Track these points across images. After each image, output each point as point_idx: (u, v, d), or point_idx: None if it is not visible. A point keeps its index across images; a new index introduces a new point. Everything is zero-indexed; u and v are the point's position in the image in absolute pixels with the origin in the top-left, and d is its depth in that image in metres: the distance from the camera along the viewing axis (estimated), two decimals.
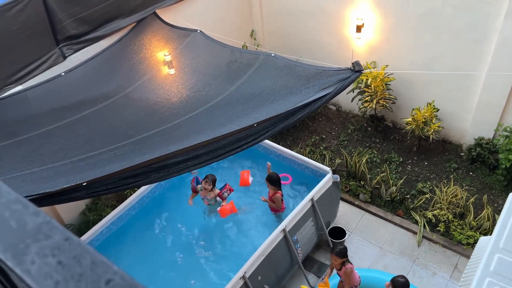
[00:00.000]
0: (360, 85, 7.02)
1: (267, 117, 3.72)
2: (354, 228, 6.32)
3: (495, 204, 6.25)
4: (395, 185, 6.49)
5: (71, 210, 5.95)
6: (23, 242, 0.75)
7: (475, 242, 5.63)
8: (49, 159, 3.74)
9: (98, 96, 4.89)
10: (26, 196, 2.98)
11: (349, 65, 4.01)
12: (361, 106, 7.14)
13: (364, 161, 6.78)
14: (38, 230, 0.77)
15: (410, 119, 6.72)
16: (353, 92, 7.18)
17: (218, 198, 5.76)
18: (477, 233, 5.81)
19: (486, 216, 5.86)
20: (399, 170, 6.92)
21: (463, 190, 6.27)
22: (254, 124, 3.66)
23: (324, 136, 7.69)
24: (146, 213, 5.88)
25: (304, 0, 7.35)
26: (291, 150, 6.25)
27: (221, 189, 5.74)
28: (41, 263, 0.71)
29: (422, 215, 6.22)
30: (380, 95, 6.90)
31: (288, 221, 5.15)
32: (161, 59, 5.32)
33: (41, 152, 3.95)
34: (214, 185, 5.72)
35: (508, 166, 5.99)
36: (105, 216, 5.53)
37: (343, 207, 6.49)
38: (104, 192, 3.37)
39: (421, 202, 6.34)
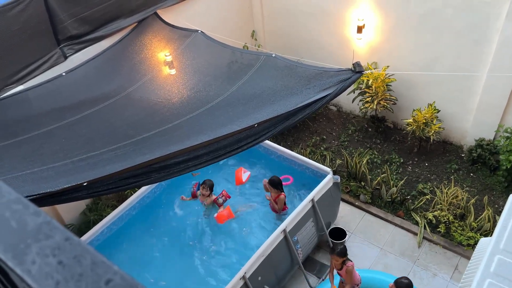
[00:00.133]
0: (361, 85, 7.02)
1: (268, 117, 3.72)
2: (355, 229, 6.32)
3: (496, 205, 6.24)
4: (396, 186, 6.49)
5: (71, 210, 5.95)
6: (24, 242, 0.75)
7: (476, 243, 5.63)
8: (49, 159, 3.75)
9: (99, 96, 4.89)
10: (27, 196, 2.98)
11: (350, 66, 4.01)
12: (362, 107, 7.14)
13: (364, 162, 6.78)
14: (39, 230, 0.77)
15: (410, 120, 6.72)
16: (354, 93, 7.18)
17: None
18: (478, 234, 5.80)
19: (486, 217, 5.86)
20: (399, 171, 6.91)
21: (463, 191, 6.27)
22: (255, 124, 3.66)
23: (324, 137, 7.69)
24: (146, 213, 5.88)
25: (305, 1, 7.36)
26: (292, 150, 6.25)
27: (217, 195, 5.77)
28: (42, 263, 0.72)
29: (423, 216, 6.22)
30: (381, 96, 6.89)
31: (289, 221, 5.15)
32: (162, 59, 5.32)
33: (41, 152, 3.96)
34: (211, 190, 5.75)
35: (508, 167, 5.99)
36: (105, 216, 5.54)
37: (343, 207, 6.49)
38: (104, 192, 3.37)
39: (421, 203, 6.33)
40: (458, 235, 5.82)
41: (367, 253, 6.00)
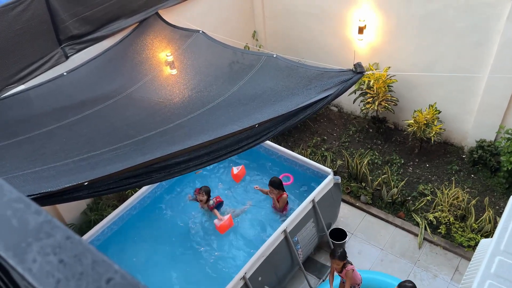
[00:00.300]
0: (362, 86, 7.02)
1: (269, 118, 3.72)
2: (355, 229, 6.32)
3: (497, 207, 6.24)
4: (396, 187, 6.49)
5: (72, 209, 5.96)
6: (25, 240, 0.75)
7: (476, 244, 5.62)
8: (50, 159, 3.75)
9: (100, 96, 4.90)
10: (28, 196, 2.99)
11: (351, 67, 4.01)
12: (363, 108, 7.14)
13: (365, 162, 6.78)
14: (40, 229, 0.77)
15: (411, 121, 6.71)
16: (355, 93, 7.18)
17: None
18: (478, 235, 5.80)
19: (487, 218, 5.85)
20: (400, 172, 6.91)
21: (464, 192, 6.26)
22: (256, 125, 3.66)
23: (325, 138, 7.69)
24: (147, 213, 5.88)
25: (306, 1, 7.36)
26: (293, 151, 6.25)
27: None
28: (43, 261, 0.72)
29: (423, 217, 6.21)
30: (382, 96, 6.89)
31: (289, 222, 5.15)
32: (163, 59, 5.33)
33: (42, 152, 3.96)
34: (209, 195, 5.76)
35: (509, 168, 5.98)
36: (106, 216, 5.54)
37: (344, 208, 6.49)
38: (105, 192, 3.38)
39: (422, 204, 6.33)
40: (458, 236, 5.82)
41: (367, 254, 5.99)
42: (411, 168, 6.97)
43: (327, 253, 5.94)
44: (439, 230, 6.01)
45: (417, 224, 6.20)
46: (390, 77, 6.91)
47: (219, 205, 5.82)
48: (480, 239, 5.66)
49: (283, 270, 5.27)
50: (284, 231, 5.09)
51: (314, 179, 5.87)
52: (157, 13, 6.11)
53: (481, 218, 5.91)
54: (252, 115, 3.91)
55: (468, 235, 5.79)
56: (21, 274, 0.71)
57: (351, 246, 6.08)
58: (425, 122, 6.56)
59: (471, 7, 5.86)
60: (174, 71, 5.18)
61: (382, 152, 7.28)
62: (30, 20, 4.86)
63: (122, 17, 5.82)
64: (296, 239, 5.31)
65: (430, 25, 6.33)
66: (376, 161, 7.08)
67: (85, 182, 3.16)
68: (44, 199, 3.07)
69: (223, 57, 5.15)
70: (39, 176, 3.45)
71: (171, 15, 6.25)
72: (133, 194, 5.88)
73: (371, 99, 6.95)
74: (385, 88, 6.88)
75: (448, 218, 5.96)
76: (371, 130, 7.67)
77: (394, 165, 7.00)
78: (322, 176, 5.72)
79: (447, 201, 6.09)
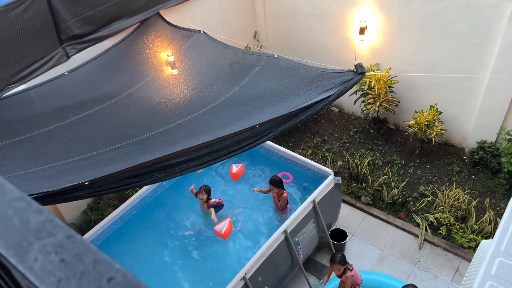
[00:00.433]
0: (363, 87, 7.02)
1: (270, 118, 3.72)
2: (356, 230, 6.31)
3: (497, 208, 6.23)
4: (397, 188, 6.48)
5: (73, 209, 5.96)
6: (26, 239, 0.75)
7: (477, 245, 5.62)
8: (51, 158, 3.75)
9: (101, 95, 4.90)
10: (29, 195, 2.98)
11: (352, 67, 4.01)
12: (364, 108, 7.13)
13: (366, 163, 6.77)
14: (41, 228, 0.77)
15: (412, 122, 6.71)
16: (356, 94, 7.18)
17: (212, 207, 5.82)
18: (479, 236, 5.79)
19: (488, 219, 5.85)
20: (401, 173, 6.90)
21: (465, 194, 6.25)
22: (257, 125, 3.66)
23: (326, 138, 7.68)
24: (147, 213, 5.88)
25: (308, 2, 7.36)
26: (293, 151, 6.25)
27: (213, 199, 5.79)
28: (44, 260, 0.72)
29: (424, 218, 6.21)
30: (383, 97, 6.89)
31: (290, 222, 5.15)
32: (164, 59, 5.33)
33: (43, 151, 3.97)
34: (209, 194, 5.73)
35: (510, 169, 5.98)
36: (106, 216, 5.55)
37: (344, 209, 6.49)
38: (106, 192, 3.38)
39: (423, 205, 6.32)
40: (459, 237, 5.81)
41: (368, 254, 5.99)
42: (411, 169, 6.97)
43: (327, 254, 5.93)
44: (439, 231, 6.01)
45: (418, 225, 6.20)
46: (391, 78, 6.90)
47: (218, 207, 5.77)
48: (481, 240, 5.65)
49: (284, 270, 5.27)
50: (285, 231, 5.09)
51: (314, 179, 5.86)
52: (158, 13, 6.12)
53: (482, 219, 5.91)
54: (253, 116, 3.91)
55: (469, 236, 5.79)
56: (23, 273, 0.71)
57: (352, 247, 6.07)
58: (426, 123, 6.56)
59: (472, 8, 5.85)
60: (175, 71, 5.18)
61: (382, 153, 7.27)
62: (32, 20, 4.87)
63: (123, 17, 5.83)
64: (296, 239, 5.31)
65: (431, 26, 6.32)
66: (376, 161, 7.07)
67: (86, 181, 3.16)
68: (45, 198, 3.08)
69: (224, 57, 5.15)
70: (40, 176, 3.46)
71: (172, 15, 6.25)
72: (133, 194, 5.89)
73: (372, 99, 6.95)
74: (386, 89, 6.88)
75: (448, 219, 5.95)
76: (372, 131, 7.67)
77: (395, 166, 7.00)
78: (322, 177, 5.72)
79: (448, 202, 6.08)
